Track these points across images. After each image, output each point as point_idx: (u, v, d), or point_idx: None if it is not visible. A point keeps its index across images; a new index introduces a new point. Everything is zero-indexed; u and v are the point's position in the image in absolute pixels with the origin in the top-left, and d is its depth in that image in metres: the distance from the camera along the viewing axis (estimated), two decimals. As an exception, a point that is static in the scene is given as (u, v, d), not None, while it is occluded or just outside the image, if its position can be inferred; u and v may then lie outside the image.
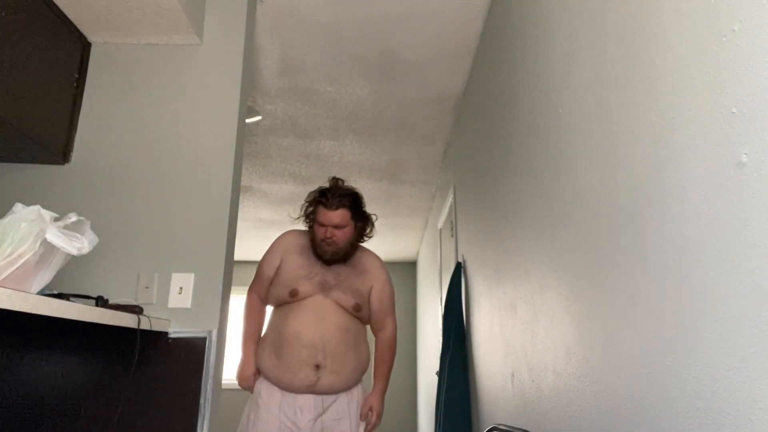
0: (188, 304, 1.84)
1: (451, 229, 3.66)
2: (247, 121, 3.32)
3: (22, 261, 1.16)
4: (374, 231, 2.14)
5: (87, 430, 1.71)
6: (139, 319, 1.57)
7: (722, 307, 0.76)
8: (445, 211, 4.02)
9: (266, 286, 2.07)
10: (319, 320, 1.93)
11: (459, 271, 3.04)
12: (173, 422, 1.72)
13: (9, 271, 1.15)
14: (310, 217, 2.05)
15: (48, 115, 1.85)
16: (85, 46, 2.07)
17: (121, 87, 2.06)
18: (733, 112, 0.75)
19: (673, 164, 0.90)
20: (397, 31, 2.63)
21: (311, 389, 1.89)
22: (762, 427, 0.68)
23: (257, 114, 3.38)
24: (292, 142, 3.84)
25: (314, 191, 2.06)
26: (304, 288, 1.97)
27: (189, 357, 1.78)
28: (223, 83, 2.08)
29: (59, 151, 1.92)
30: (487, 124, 2.45)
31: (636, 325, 1.01)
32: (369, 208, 2.18)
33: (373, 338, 2.16)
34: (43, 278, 1.25)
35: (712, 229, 0.79)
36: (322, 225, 1.98)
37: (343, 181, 2.10)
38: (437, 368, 3.42)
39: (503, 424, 1.74)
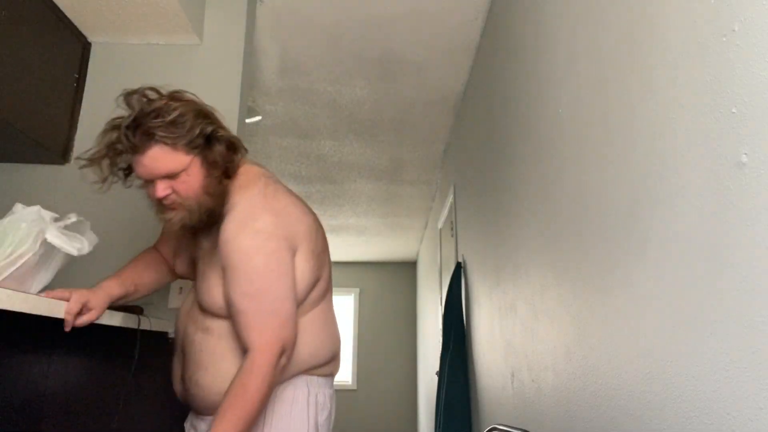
0: (188, 304, 1.84)
1: (451, 229, 3.66)
2: (247, 121, 3.32)
3: (22, 261, 1.16)
4: (241, 148, 1.31)
5: (87, 430, 1.71)
6: (139, 319, 1.57)
7: (722, 307, 0.76)
8: (445, 211, 4.02)
9: (163, 242, 1.50)
10: (184, 315, 1.37)
11: (459, 271, 3.04)
12: (173, 422, 1.72)
13: (9, 271, 1.15)
14: (129, 175, 1.30)
15: (48, 115, 1.85)
16: (85, 46, 2.07)
17: (121, 87, 2.05)
18: (733, 112, 0.75)
19: (672, 164, 0.90)
20: (397, 31, 2.63)
21: (186, 405, 1.38)
22: (762, 427, 0.68)
23: (257, 114, 3.38)
24: (292, 142, 3.84)
25: (104, 130, 1.25)
26: (179, 268, 1.46)
27: (189, 357, 1.78)
28: (223, 83, 2.08)
29: (59, 151, 1.92)
30: (487, 124, 2.45)
31: (636, 325, 1.01)
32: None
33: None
34: (43, 278, 1.25)
35: (712, 229, 0.79)
36: (147, 182, 1.24)
37: (156, 90, 1.24)
38: (437, 368, 3.42)
39: (503, 424, 1.74)
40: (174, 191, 1.21)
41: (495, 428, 1.65)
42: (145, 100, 1.20)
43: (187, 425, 1.43)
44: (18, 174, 1.94)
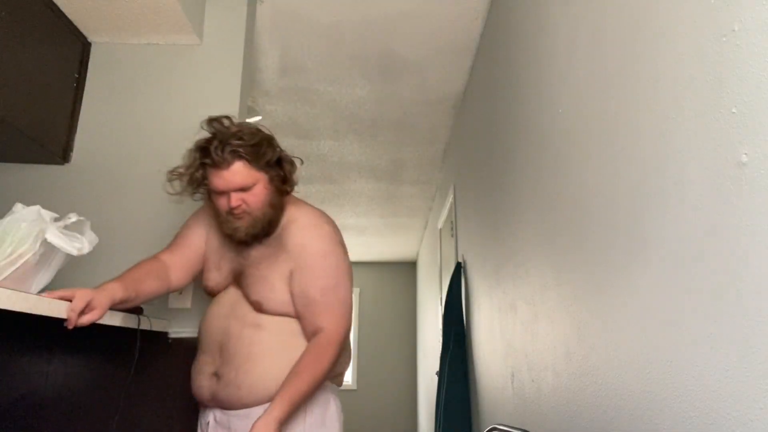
0: (188, 304, 1.84)
1: (451, 229, 3.65)
2: (247, 121, 3.31)
3: (22, 261, 1.16)
4: (296, 174, 1.51)
5: (87, 430, 1.71)
6: (139, 319, 1.57)
7: (722, 307, 0.76)
8: (445, 211, 4.02)
9: (177, 253, 1.58)
10: (223, 317, 1.48)
11: (459, 271, 3.04)
12: (173, 422, 1.72)
13: (9, 271, 1.15)
14: (201, 187, 1.49)
15: (48, 115, 1.85)
16: (85, 46, 2.07)
17: (121, 87, 2.06)
18: (733, 112, 0.75)
19: (673, 164, 0.90)
20: (397, 31, 2.63)
21: (213, 402, 1.45)
22: (762, 427, 0.68)
23: (257, 114, 3.38)
24: (292, 142, 3.84)
25: (193, 149, 1.45)
26: (212, 281, 1.55)
27: (189, 357, 1.77)
28: (223, 83, 2.08)
29: (59, 151, 1.92)
30: (487, 124, 2.45)
31: (636, 325, 1.01)
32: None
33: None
34: (43, 278, 1.25)
35: (712, 229, 0.79)
36: (221, 193, 1.42)
37: (230, 119, 1.46)
38: (437, 368, 3.42)
39: (503, 424, 1.74)
40: (244, 202, 1.41)
41: (495, 428, 1.65)
42: (225, 125, 1.44)
43: (205, 422, 1.49)
44: (18, 174, 1.94)
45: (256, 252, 1.48)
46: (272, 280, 1.44)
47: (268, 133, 1.48)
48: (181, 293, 1.84)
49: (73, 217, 1.30)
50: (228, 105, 2.06)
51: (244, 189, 1.40)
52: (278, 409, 1.30)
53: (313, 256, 1.44)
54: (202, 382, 1.46)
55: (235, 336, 1.43)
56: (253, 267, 1.47)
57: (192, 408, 1.73)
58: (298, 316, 1.45)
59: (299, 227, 1.47)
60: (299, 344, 1.42)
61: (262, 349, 1.41)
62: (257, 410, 1.35)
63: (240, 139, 1.39)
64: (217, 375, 1.44)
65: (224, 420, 1.44)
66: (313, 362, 1.37)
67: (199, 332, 1.56)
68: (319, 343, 1.40)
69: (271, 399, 1.34)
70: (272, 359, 1.41)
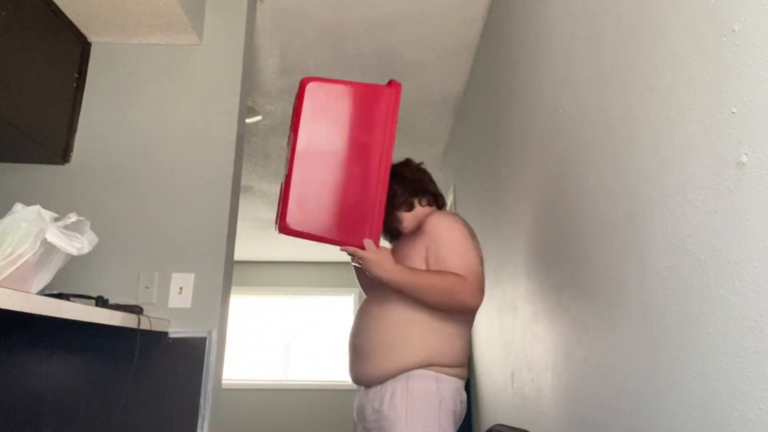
0: (188, 304, 1.84)
1: (451, 229, 3.65)
2: (247, 121, 3.31)
3: (22, 261, 1.16)
4: (401, 193, 1.70)
5: (87, 430, 1.71)
6: (139, 319, 1.57)
7: (722, 306, 0.76)
8: (445, 211, 4.02)
9: None
10: (358, 318, 1.64)
11: (459, 271, 3.03)
12: (173, 422, 1.72)
13: (9, 271, 1.15)
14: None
15: (48, 115, 1.85)
16: (85, 46, 2.07)
17: (121, 87, 2.06)
18: (733, 112, 0.75)
19: (673, 164, 0.90)
20: (397, 31, 2.63)
21: (354, 380, 1.59)
22: (762, 427, 0.68)
23: (257, 114, 3.38)
24: (292, 142, 3.84)
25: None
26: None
27: (189, 357, 1.78)
28: (223, 83, 2.08)
29: (59, 151, 1.91)
30: (487, 125, 2.45)
31: (636, 325, 1.01)
32: None
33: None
34: (43, 278, 1.25)
35: (712, 229, 0.79)
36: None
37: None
38: (437, 368, 3.41)
39: (503, 424, 1.74)
40: None
41: (495, 428, 1.65)
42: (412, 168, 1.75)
43: (356, 416, 1.58)
44: (18, 174, 1.94)
45: (398, 243, 1.71)
46: (414, 258, 1.56)
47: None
48: (181, 292, 1.85)
49: (73, 217, 1.29)
50: (228, 105, 2.06)
51: None
52: (403, 271, 1.45)
53: (434, 229, 1.59)
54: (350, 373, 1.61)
55: (365, 310, 1.63)
56: (396, 253, 1.62)
57: (192, 407, 1.73)
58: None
59: (436, 218, 1.63)
60: (414, 322, 1.51)
61: (380, 322, 1.57)
62: (380, 387, 1.49)
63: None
64: (354, 349, 1.59)
65: (366, 402, 1.56)
66: (444, 281, 1.46)
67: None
68: (456, 276, 1.46)
69: (385, 373, 1.47)
70: (387, 330, 1.54)
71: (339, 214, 1.44)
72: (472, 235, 1.64)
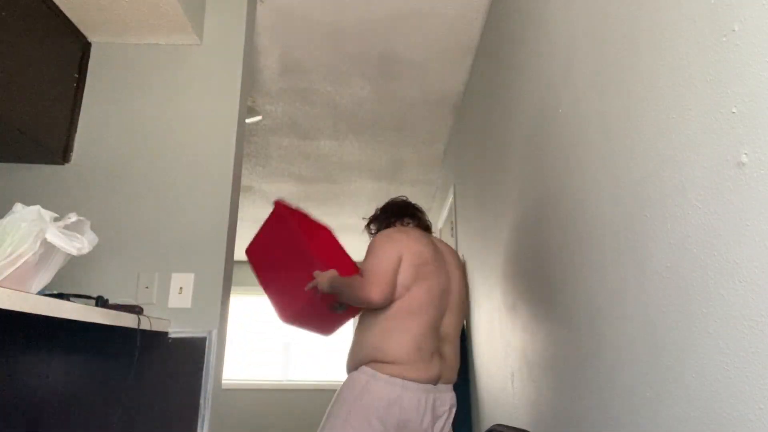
0: (188, 304, 1.84)
1: (451, 229, 3.65)
2: (247, 121, 3.32)
3: (22, 261, 1.16)
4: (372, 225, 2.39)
5: (87, 430, 1.71)
6: (139, 319, 1.57)
7: (722, 306, 0.76)
8: (445, 211, 4.02)
9: None
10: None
11: (459, 271, 3.03)
12: (173, 422, 1.72)
13: (9, 271, 1.15)
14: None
15: (48, 115, 1.85)
16: (85, 46, 2.07)
17: (121, 87, 2.06)
18: (733, 112, 0.75)
19: (673, 164, 0.90)
20: (397, 31, 2.63)
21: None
22: (762, 427, 0.68)
23: (257, 114, 3.38)
24: (292, 142, 3.84)
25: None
26: None
27: (189, 357, 1.78)
28: (223, 83, 2.08)
29: (59, 151, 1.91)
30: (487, 124, 2.45)
31: (636, 325, 1.01)
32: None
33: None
34: (43, 278, 1.25)
35: (712, 229, 0.79)
36: None
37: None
38: (437, 368, 3.41)
39: (503, 424, 1.74)
40: None
41: (495, 428, 1.65)
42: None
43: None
44: (18, 174, 1.94)
45: None
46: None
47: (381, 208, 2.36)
48: (181, 292, 1.85)
49: (73, 217, 1.29)
50: (228, 105, 2.06)
51: None
52: (329, 280, 1.93)
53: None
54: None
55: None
56: None
57: (192, 407, 1.73)
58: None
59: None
60: (373, 328, 1.85)
61: (359, 330, 2.01)
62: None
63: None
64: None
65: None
66: (351, 282, 1.87)
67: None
68: (358, 280, 1.86)
69: (349, 368, 1.89)
70: (358, 337, 1.95)
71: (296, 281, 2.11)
72: (392, 239, 1.94)
